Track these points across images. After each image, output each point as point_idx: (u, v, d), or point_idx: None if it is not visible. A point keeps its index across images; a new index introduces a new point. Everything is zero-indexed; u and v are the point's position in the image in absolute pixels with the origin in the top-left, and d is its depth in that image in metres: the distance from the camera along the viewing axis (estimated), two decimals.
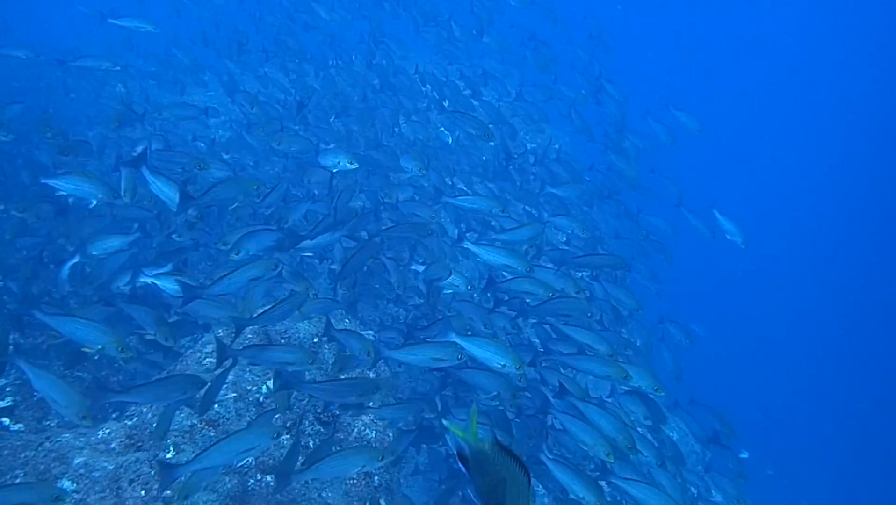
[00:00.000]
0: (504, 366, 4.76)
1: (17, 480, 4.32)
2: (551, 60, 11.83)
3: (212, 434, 4.64)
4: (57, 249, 6.05)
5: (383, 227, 6.31)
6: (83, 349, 4.29)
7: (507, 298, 6.14)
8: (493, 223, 7.73)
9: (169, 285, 5.07)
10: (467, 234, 6.35)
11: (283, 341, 5.36)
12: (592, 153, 11.10)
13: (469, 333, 5.28)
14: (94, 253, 5.64)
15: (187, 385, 4.09)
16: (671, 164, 12.71)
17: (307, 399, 4.90)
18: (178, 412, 4.76)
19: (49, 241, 6.12)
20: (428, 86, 10.52)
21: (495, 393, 5.37)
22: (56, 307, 5.18)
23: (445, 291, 6.34)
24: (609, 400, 6.03)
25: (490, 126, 7.88)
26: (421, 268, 6.20)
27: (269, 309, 4.69)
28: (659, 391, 5.68)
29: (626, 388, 5.99)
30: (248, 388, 4.96)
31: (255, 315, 4.77)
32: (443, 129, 11.01)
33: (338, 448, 4.55)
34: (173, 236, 5.86)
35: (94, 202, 5.85)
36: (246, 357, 4.48)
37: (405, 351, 4.73)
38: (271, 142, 6.93)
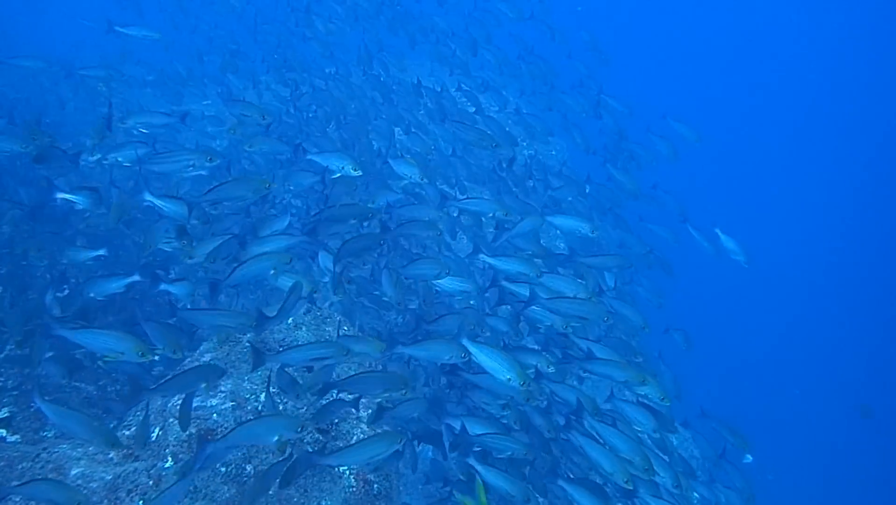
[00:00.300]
0: (509, 380, 4.79)
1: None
2: (549, 73, 11.87)
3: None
4: (30, 261, 6.06)
5: (393, 223, 6.21)
6: (105, 358, 4.33)
7: (510, 297, 6.14)
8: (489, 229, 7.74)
9: (180, 290, 5.19)
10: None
11: (280, 349, 5.33)
12: (591, 165, 11.13)
13: (478, 338, 5.33)
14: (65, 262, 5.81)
15: (208, 374, 4.28)
16: (672, 177, 12.72)
17: (306, 407, 4.87)
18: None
19: (16, 252, 6.12)
20: (426, 98, 10.54)
21: (507, 399, 5.37)
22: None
23: (456, 298, 6.40)
24: (607, 406, 6.01)
25: (492, 135, 7.90)
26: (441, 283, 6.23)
27: (281, 308, 4.73)
28: (665, 401, 5.67)
29: (634, 398, 5.98)
30: (247, 396, 4.93)
31: (272, 316, 4.80)
32: (441, 141, 11.02)
33: None
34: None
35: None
36: (281, 360, 4.55)
37: (416, 347, 4.87)
38: (244, 144, 6.84)
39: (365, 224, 6.08)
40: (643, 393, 5.68)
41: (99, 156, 5.91)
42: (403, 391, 4.67)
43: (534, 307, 5.87)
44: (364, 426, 4.90)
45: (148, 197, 5.33)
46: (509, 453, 5.08)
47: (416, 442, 5.59)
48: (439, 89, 10.63)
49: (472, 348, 4.81)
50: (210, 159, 5.62)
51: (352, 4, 12.39)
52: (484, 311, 6.39)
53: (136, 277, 5.43)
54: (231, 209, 6.30)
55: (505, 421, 5.43)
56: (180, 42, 13.84)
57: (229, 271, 4.81)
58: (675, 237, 10.83)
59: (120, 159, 5.99)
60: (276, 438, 3.93)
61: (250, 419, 3.95)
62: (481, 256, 6.26)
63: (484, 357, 4.82)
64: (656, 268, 10.30)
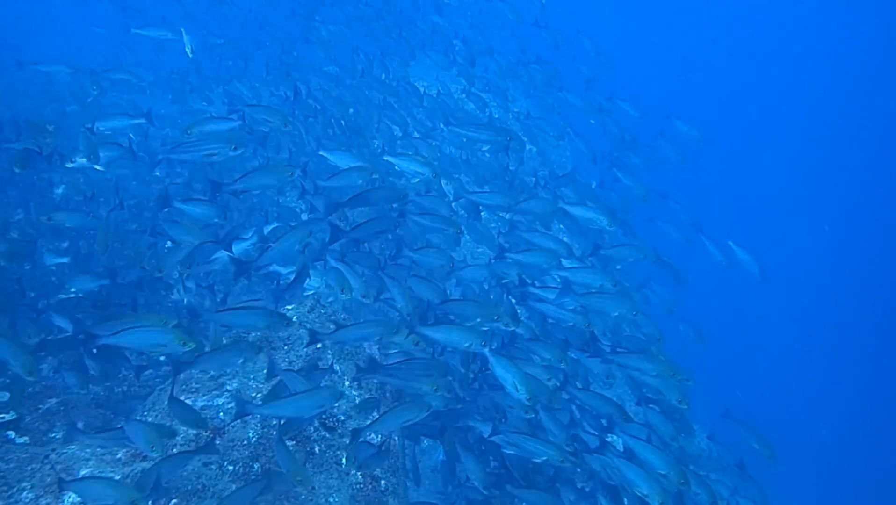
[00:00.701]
0: (518, 391, 4.74)
1: (25, 491, 4.35)
2: (555, 76, 11.84)
3: (217, 441, 4.63)
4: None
5: (413, 214, 6.18)
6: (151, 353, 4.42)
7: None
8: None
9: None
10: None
11: (285, 347, 5.35)
12: (598, 171, 11.07)
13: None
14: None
15: (245, 351, 4.44)
16: (679, 181, 12.66)
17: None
18: None
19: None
20: (427, 102, 10.56)
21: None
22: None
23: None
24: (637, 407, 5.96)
25: (508, 132, 7.91)
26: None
27: (292, 284, 4.87)
28: (682, 403, 5.62)
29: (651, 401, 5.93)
30: (253, 395, 4.95)
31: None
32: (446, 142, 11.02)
33: (342, 452, 4.61)
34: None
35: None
36: (335, 339, 4.71)
37: (434, 330, 4.89)
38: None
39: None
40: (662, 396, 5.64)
41: (76, 162, 5.86)
42: (445, 379, 4.70)
43: (555, 307, 5.87)
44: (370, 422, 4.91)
45: (178, 204, 5.47)
46: (544, 459, 5.00)
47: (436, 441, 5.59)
48: (441, 93, 10.66)
49: (490, 357, 4.79)
50: (234, 148, 5.66)
51: (353, 10, 12.44)
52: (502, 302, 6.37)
53: (106, 281, 5.60)
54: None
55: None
56: (176, 46, 13.89)
57: (260, 253, 4.94)
58: (687, 238, 10.78)
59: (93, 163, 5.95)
60: (316, 410, 4.08)
61: (293, 393, 4.11)
62: (508, 255, 6.34)
63: (498, 366, 4.78)
64: (665, 270, 10.14)
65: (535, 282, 6.24)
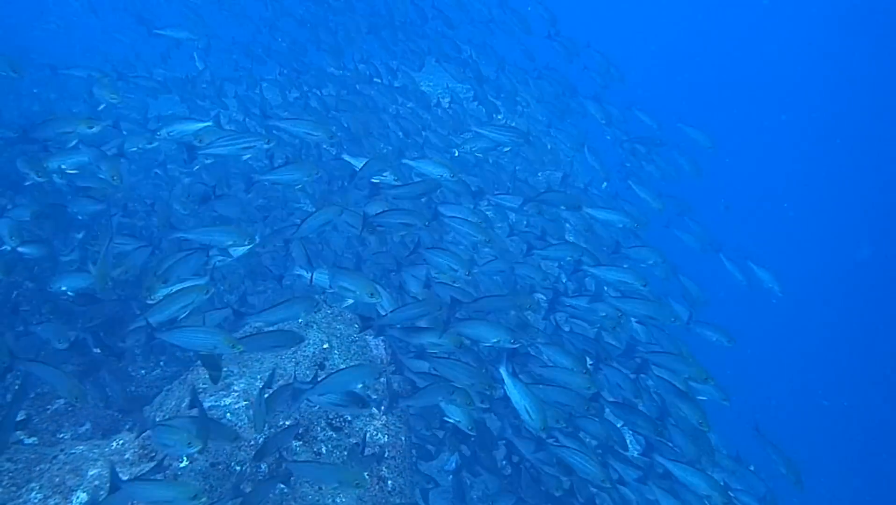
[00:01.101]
0: (532, 419, 4.66)
1: (34, 492, 4.36)
2: (565, 85, 11.80)
3: (226, 444, 4.62)
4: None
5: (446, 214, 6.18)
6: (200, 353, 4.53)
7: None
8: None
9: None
10: None
11: (292, 347, 5.34)
12: (615, 181, 11.02)
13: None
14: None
15: (285, 339, 4.62)
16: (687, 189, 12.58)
17: (318, 405, 4.87)
18: None
19: None
20: (437, 110, 10.57)
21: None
22: None
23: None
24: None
25: (524, 133, 7.93)
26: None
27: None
28: (703, 426, 5.56)
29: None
30: None
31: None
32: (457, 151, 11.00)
33: (346, 452, 4.61)
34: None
35: None
36: (390, 321, 4.86)
37: (463, 325, 4.92)
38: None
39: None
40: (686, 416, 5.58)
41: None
42: (488, 386, 4.72)
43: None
44: (377, 422, 4.90)
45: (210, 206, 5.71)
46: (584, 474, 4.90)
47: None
48: (452, 102, 10.70)
49: (506, 378, 4.73)
50: (268, 141, 5.80)
51: (362, 19, 12.51)
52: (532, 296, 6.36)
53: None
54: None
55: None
56: (183, 51, 13.99)
57: (298, 225, 5.11)
58: (703, 248, 10.69)
59: (64, 167, 5.84)
60: (360, 385, 4.29)
61: (337, 371, 4.34)
62: (535, 252, 6.39)
63: (513, 389, 4.69)
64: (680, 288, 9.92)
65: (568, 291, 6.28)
